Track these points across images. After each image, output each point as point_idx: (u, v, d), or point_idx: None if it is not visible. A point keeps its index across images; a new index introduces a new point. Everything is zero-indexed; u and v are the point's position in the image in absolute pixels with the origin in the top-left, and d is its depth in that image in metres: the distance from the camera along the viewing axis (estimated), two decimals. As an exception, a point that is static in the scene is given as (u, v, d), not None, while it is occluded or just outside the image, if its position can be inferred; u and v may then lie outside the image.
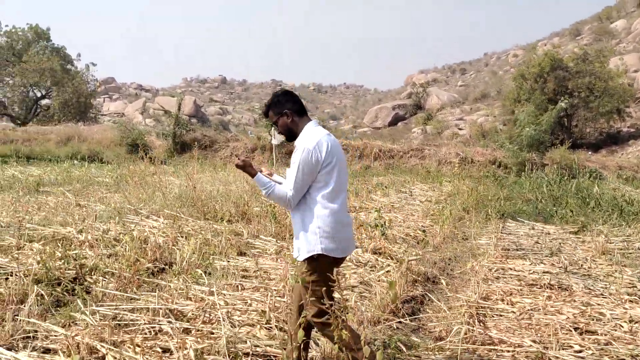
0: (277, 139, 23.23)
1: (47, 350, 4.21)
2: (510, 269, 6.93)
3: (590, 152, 31.56)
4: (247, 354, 4.17)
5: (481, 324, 4.90)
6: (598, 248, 8.26)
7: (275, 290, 5.56)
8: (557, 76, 36.05)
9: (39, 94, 42.51)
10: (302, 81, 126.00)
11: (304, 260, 3.68)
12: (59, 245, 7.02)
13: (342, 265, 6.54)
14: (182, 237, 7.94)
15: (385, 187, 15.02)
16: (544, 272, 6.70)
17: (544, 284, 6.17)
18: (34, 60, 39.30)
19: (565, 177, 19.26)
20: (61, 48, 42.85)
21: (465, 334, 4.65)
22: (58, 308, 5.21)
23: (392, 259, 7.44)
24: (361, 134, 53.91)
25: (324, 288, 3.47)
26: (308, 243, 3.64)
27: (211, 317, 4.75)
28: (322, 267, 3.60)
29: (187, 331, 4.54)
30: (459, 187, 16.33)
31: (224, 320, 4.52)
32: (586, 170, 22.24)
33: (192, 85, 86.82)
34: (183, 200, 10.58)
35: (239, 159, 3.88)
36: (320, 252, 3.59)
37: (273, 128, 23.47)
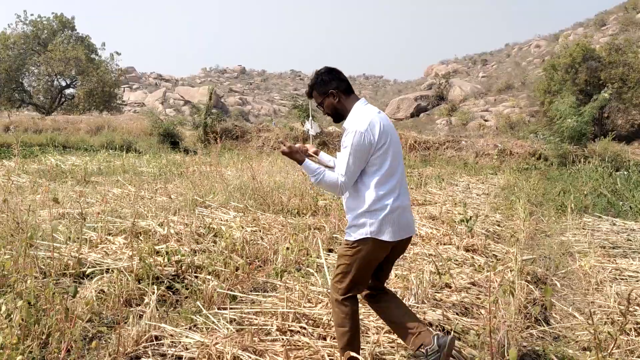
0: (313, 128, 22.80)
1: (178, 359, 3.83)
2: (624, 269, 6.47)
3: (623, 145, 30.87)
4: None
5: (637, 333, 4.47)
6: (698, 246, 7.79)
7: (397, 290, 5.17)
8: (589, 67, 35.39)
9: (63, 83, 42.32)
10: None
11: (349, 241, 3.54)
12: (141, 239, 6.67)
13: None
14: (260, 231, 7.57)
15: (442, 179, 14.58)
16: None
17: (674, 287, 5.72)
18: (59, 49, 39.05)
19: (613, 170, 18.76)
20: (86, 37, 42.60)
21: (628, 345, 4.23)
22: (164, 308, 4.84)
23: (486, 256, 7.04)
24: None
25: (360, 272, 3.51)
26: (357, 226, 3.48)
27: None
28: (367, 251, 3.48)
29: (322, 338, 4.16)
30: (511, 180, 15.89)
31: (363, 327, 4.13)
32: (631, 162, 21.69)
33: (211, 75, 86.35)
34: (244, 191, 10.19)
35: (284, 145, 3.61)
36: (368, 236, 3.45)
37: (311, 118, 23.09)
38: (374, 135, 3.42)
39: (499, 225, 9.35)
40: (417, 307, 4.75)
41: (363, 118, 3.48)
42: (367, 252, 3.48)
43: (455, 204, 11.04)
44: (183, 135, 27.59)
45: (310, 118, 22.04)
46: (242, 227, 7.53)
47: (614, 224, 9.68)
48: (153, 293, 4.52)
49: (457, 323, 4.57)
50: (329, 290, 4.96)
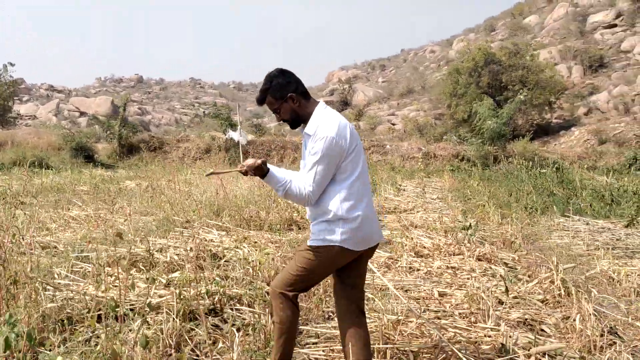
0: (243, 137, 21.97)
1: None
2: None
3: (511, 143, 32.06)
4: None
5: None
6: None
7: (455, 311, 4.81)
8: (491, 70, 36.74)
9: (-47, 98, 38.90)
10: (222, 79, 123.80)
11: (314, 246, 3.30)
12: (141, 268, 5.96)
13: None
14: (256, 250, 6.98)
15: (400, 186, 14.43)
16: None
17: None
18: (-55, 60, 35.95)
19: (536, 169, 19.38)
20: (-25, 47, 39.42)
21: None
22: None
23: (505, 265, 6.83)
24: (290, 132, 53.21)
25: (314, 275, 3.37)
26: (327, 232, 3.25)
27: (445, 354, 3.93)
28: (328, 257, 3.28)
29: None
30: (455, 183, 16.03)
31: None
32: (549, 161, 22.57)
33: (106, 85, 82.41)
34: (214, 208, 9.51)
35: (243, 165, 3.33)
36: (336, 244, 3.22)
37: (239, 127, 22.30)
38: (346, 139, 3.20)
39: (482, 231, 9.22)
40: (498, 330, 4.40)
41: (331, 122, 3.24)
42: (327, 258, 3.28)
43: (424, 209, 10.89)
44: (96, 149, 26.06)
45: (239, 127, 21.26)
46: (238, 248, 6.94)
47: (588, 224, 9.83)
48: (233, 335, 3.86)
49: (548, 345, 4.27)
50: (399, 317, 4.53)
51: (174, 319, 4.29)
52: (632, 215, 10.03)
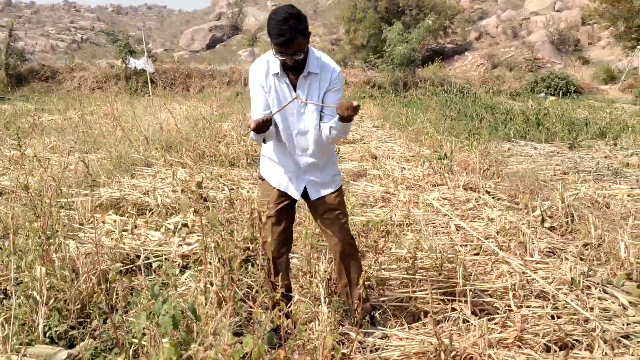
0: (150, 65, 20.70)
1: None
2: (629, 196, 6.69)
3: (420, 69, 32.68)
4: None
5: None
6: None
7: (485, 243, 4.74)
8: (388, -6, 36.52)
9: None
10: (98, 2, 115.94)
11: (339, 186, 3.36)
12: (131, 212, 5.44)
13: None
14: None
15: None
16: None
17: None
18: None
19: (453, 93, 19.80)
20: None
21: None
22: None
23: (487, 193, 6.85)
24: (180, 58, 51.23)
25: None
26: (337, 169, 3.39)
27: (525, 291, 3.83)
28: None
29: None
30: (382, 110, 16.03)
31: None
32: (458, 86, 23.08)
33: (-31, 8, 74.88)
34: (162, 142, 8.85)
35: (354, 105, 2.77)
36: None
37: (146, 54, 21.04)
38: None
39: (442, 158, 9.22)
40: (546, 263, 4.38)
41: (328, 57, 3.15)
42: None
43: (375, 139, 10.78)
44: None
45: (145, 54, 20.05)
46: (224, 186, 6.52)
47: (536, 148, 10.12)
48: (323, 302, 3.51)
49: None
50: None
51: (219, 268, 3.91)
52: (572, 138, 10.44)
